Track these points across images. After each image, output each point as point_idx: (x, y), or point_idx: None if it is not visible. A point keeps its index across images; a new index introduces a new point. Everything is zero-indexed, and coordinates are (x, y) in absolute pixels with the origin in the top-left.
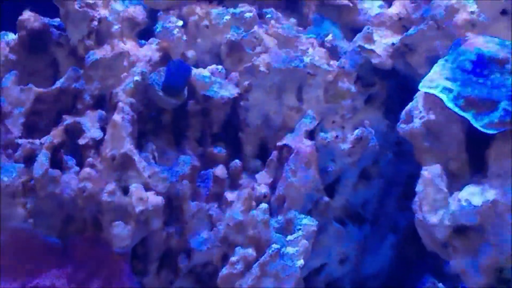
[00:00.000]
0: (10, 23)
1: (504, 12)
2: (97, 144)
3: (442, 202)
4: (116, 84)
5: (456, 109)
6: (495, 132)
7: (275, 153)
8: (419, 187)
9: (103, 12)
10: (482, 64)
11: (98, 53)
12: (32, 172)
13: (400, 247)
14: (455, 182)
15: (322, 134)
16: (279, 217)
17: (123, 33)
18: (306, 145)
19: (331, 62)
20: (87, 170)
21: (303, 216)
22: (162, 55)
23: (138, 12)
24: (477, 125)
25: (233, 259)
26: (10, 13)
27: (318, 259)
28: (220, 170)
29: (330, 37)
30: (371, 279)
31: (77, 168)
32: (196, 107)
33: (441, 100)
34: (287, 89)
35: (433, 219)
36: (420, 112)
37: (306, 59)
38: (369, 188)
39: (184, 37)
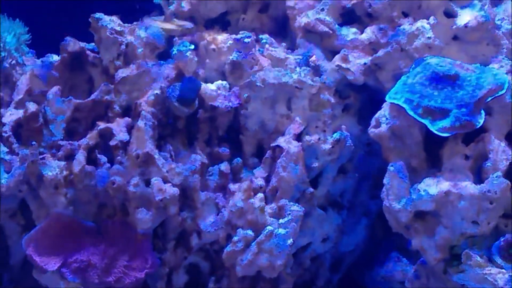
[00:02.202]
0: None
1: (455, 38)
2: (125, 145)
3: (404, 192)
4: (140, 97)
5: (416, 116)
6: (447, 135)
7: (269, 152)
8: (386, 180)
9: (129, 38)
10: (437, 80)
11: (126, 71)
12: (72, 168)
13: (371, 228)
14: (415, 176)
15: (307, 136)
16: (273, 205)
17: (146, 55)
18: (294, 145)
19: (315, 78)
20: (116, 166)
21: (292, 203)
22: (177, 73)
23: (157, 38)
24: (433, 129)
25: (235, 238)
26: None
27: (304, 239)
28: (224, 166)
29: (313, 58)
30: (348, 255)
31: (108, 165)
32: (205, 115)
33: (403, 109)
34: (279, 100)
35: (398, 206)
36: (387, 118)
37: (294, 76)
38: (346, 181)
39: (195, 58)
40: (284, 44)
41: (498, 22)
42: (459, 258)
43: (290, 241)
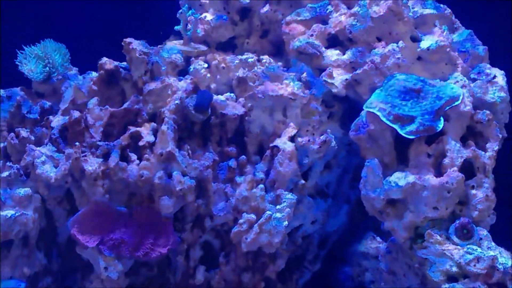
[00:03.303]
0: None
1: (419, 58)
2: (151, 145)
3: (378, 183)
4: (163, 106)
5: (388, 122)
6: (413, 137)
7: (268, 151)
8: (363, 173)
9: (154, 58)
10: (405, 93)
11: (152, 85)
12: (108, 164)
13: (351, 213)
14: (387, 170)
15: (299, 138)
16: (271, 194)
17: (168, 72)
18: (289, 146)
19: (305, 91)
20: (144, 162)
21: (287, 193)
22: (194, 86)
23: (177, 58)
24: (401, 132)
25: (241, 221)
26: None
27: (297, 221)
28: (232, 162)
29: (304, 74)
30: (332, 234)
31: (138, 161)
32: (216, 120)
33: (378, 116)
34: (276, 109)
35: (373, 194)
36: (364, 124)
37: (289, 89)
38: (330, 174)
39: (208, 75)
40: (280, 63)
41: (455, 46)
42: (423, 237)
43: (285, 223)
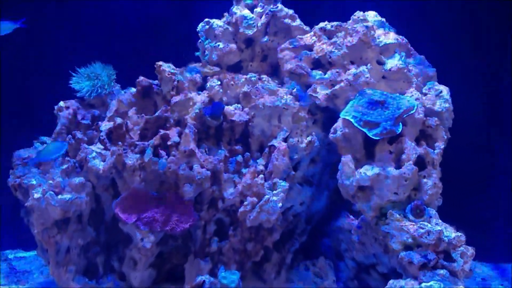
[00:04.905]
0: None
1: (383, 77)
2: (177, 144)
3: (351, 174)
4: (186, 114)
5: (359, 127)
6: (378, 138)
7: (267, 149)
8: (340, 166)
9: (179, 77)
10: (372, 104)
11: (177, 98)
12: (143, 159)
13: (330, 197)
14: (358, 164)
15: (291, 139)
16: (269, 182)
17: (190, 87)
18: (282, 145)
19: (295, 103)
20: (171, 158)
21: (281, 181)
22: (209, 99)
23: (197, 77)
24: (369, 135)
25: (245, 203)
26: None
27: (288, 203)
28: (239, 158)
29: (295, 90)
30: (316, 214)
31: (166, 157)
32: (227, 125)
33: (351, 122)
34: (273, 116)
35: (347, 182)
36: (341, 128)
37: (283, 101)
38: (315, 167)
39: (221, 90)
40: (276, 81)
41: (411, 67)
42: (386, 215)
43: (280, 204)
